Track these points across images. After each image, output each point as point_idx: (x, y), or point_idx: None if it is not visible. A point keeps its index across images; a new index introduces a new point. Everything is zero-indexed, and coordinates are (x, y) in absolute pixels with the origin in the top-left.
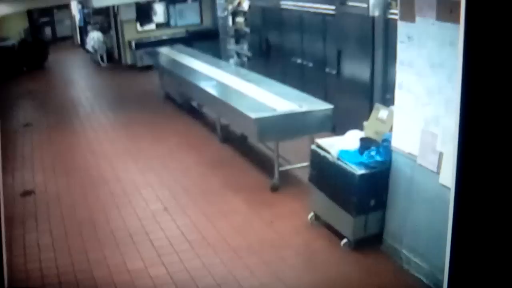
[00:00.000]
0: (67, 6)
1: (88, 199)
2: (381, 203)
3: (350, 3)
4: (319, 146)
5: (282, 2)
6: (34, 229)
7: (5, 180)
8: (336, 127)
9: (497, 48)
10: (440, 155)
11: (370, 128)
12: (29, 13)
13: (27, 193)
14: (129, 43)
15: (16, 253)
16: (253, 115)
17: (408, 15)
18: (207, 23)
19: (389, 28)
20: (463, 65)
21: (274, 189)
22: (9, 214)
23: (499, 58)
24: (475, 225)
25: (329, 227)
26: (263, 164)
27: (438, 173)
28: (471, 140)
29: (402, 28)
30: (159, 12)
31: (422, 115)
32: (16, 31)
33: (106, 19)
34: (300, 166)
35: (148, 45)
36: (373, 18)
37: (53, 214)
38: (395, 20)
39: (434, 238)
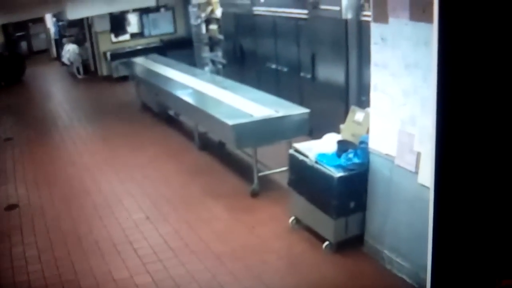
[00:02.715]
0: (42, 20)
1: (71, 211)
2: (361, 205)
3: (323, 7)
4: (297, 150)
5: (254, 8)
6: (20, 242)
7: None
8: (313, 131)
9: (472, 47)
10: (418, 155)
11: (346, 131)
12: (4, 28)
13: (11, 207)
14: (104, 54)
15: (3, 266)
16: (230, 121)
17: (381, 16)
18: (181, 31)
19: (363, 30)
20: (438, 64)
21: (254, 194)
22: None
23: (473, 56)
24: (455, 223)
25: (310, 231)
26: (242, 170)
27: (416, 173)
28: (448, 139)
29: (376, 30)
30: (133, 22)
31: (398, 115)
32: None
33: (81, 31)
34: (279, 171)
35: (123, 55)
36: (346, 21)
37: (38, 227)
38: (368, 22)
39: (415, 237)
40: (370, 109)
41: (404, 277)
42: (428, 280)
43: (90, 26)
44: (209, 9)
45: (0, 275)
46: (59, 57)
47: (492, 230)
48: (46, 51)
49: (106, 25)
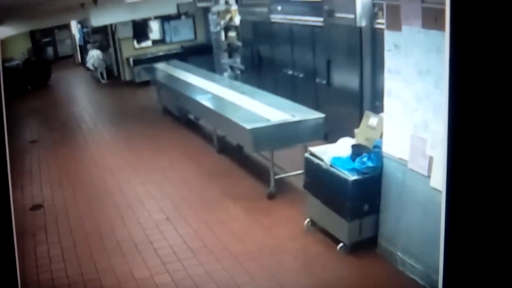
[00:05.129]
0: (67, 26)
1: (94, 211)
2: (375, 208)
3: (338, 15)
4: (312, 154)
5: (271, 16)
6: (44, 241)
7: (15, 195)
8: (328, 135)
9: (482, 54)
10: (430, 159)
11: (361, 135)
12: (32, 34)
13: (36, 207)
14: (127, 60)
15: (28, 264)
16: (248, 126)
17: (394, 24)
18: (201, 38)
19: (376, 38)
20: (449, 71)
21: (271, 196)
22: (20, 227)
23: (484, 63)
24: (466, 226)
25: (325, 232)
26: (259, 173)
27: (428, 176)
28: (460, 144)
29: (389, 37)
30: (154, 29)
31: (411, 121)
32: (20, 52)
33: (104, 37)
34: (295, 174)
35: (146, 61)
36: (360, 28)
37: (61, 227)
38: (382, 29)
39: (428, 239)
40: (384, 114)
41: (417, 278)
42: (440, 282)
43: (113, 33)
44: (228, 16)
45: (25, 273)
46: (83, 62)
47: (503, 233)
48: (71, 56)
49: (129, 32)
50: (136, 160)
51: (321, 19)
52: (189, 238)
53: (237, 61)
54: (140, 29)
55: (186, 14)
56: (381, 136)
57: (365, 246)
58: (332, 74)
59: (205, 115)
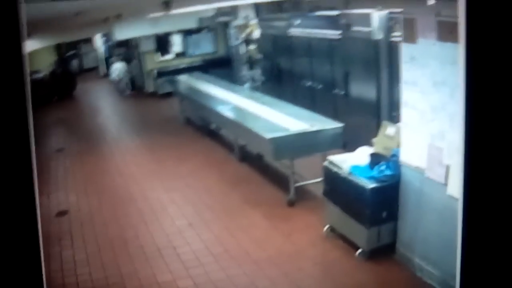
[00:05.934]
0: (92, 40)
1: (118, 217)
2: (393, 215)
3: (355, 28)
4: (331, 162)
5: (291, 30)
6: (69, 246)
7: (41, 201)
8: (347, 144)
9: (496, 65)
10: (447, 167)
11: (379, 144)
12: (58, 47)
13: (62, 213)
14: (150, 72)
15: (54, 268)
16: (268, 135)
17: (411, 37)
18: (221, 51)
19: (393, 50)
20: (464, 82)
21: (291, 204)
22: (46, 232)
23: (497, 74)
24: (483, 232)
25: (344, 239)
26: (279, 180)
27: (445, 184)
28: (475, 152)
29: (405, 50)
30: (176, 42)
31: (427, 130)
32: (46, 64)
33: (128, 50)
34: (315, 182)
35: (168, 73)
36: (377, 41)
37: (86, 232)
38: (398, 42)
39: (445, 246)
40: (401, 124)
41: (434, 284)
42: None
43: (137, 46)
44: (247, 30)
45: (51, 277)
46: (107, 74)
47: None
48: (95, 68)
49: (151, 45)
50: (159, 168)
51: (338, 32)
52: (211, 243)
53: (257, 73)
54: (162, 43)
55: (207, 28)
56: (398, 145)
57: (383, 252)
58: (350, 85)
59: (226, 125)
